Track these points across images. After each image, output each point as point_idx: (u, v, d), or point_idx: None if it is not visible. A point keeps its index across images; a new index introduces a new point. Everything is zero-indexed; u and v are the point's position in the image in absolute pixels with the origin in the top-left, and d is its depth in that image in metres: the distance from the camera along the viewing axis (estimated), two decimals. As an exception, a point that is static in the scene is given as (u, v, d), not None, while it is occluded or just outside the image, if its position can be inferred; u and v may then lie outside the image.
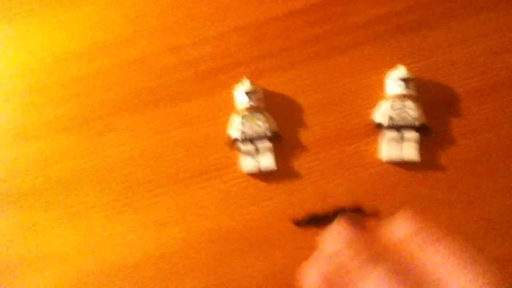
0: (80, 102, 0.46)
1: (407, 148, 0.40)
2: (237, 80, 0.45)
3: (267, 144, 0.42)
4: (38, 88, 0.47)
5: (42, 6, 0.49)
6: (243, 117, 0.42)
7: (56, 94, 0.47)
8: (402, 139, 0.41)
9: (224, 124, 0.44)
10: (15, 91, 0.47)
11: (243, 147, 0.42)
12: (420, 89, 0.43)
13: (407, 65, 0.43)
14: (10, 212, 0.44)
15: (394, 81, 0.41)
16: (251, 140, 0.42)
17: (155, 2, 0.48)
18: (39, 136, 0.46)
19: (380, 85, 0.43)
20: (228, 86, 0.45)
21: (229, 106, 0.44)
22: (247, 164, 0.42)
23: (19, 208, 0.44)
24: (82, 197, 0.44)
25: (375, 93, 0.44)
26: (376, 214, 0.41)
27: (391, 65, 0.44)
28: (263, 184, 0.43)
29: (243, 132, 0.42)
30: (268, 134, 0.42)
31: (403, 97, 0.41)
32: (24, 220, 0.44)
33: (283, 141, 0.43)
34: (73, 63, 0.47)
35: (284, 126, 0.44)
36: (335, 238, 0.28)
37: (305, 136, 0.44)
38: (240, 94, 0.42)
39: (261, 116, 0.42)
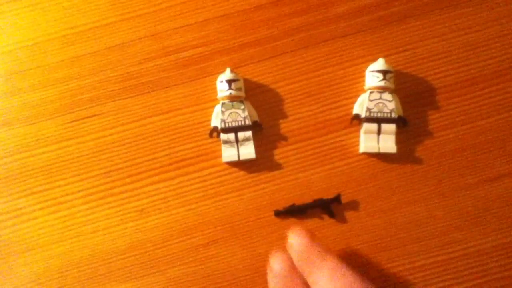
0: (60, 87, 0.46)
1: (384, 140, 0.41)
2: (219, 68, 0.45)
3: (247, 133, 0.42)
4: (18, 72, 0.47)
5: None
6: (223, 105, 0.42)
7: (37, 79, 0.46)
8: (379, 131, 0.41)
9: (206, 112, 0.44)
10: (-5, 77, 0.46)
11: (223, 135, 0.42)
12: (398, 82, 0.43)
13: (387, 57, 0.44)
14: (-10, 198, 0.44)
15: (372, 73, 0.41)
16: (231, 129, 0.42)
17: (138, -13, 0.47)
18: (20, 121, 0.45)
19: (360, 76, 0.44)
20: (210, 73, 0.45)
21: (211, 94, 0.45)
22: (227, 153, 0.42)
23: (0, 194, 0.44)
24: (63, 183, 0.44)
25: (356, 85, 0.44)
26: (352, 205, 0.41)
27: (372, 57, 0.44)
28: (243, 173, 0.44)
29: (222, 120, 0.42)
30: (248, 122, 0.42)
31: (381, 89, 0.41)
32: (6, 206, 0.44)
33: (263, 131, 0.43)
34: (54, 47, 0.47)
35: (265, 115, 0.44)
36: (280, 261, 0.36)
37: (286, 126, 0.44)
38: (221, 83, 0.42)
39: (241, 105, 0.42)
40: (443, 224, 0.42)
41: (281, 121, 0.44)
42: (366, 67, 0.43)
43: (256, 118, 0.43)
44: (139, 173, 0.44)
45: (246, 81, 0.44)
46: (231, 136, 0.42)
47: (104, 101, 0.46)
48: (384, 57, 0.44)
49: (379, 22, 0.45)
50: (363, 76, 0.44)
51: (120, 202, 0.44)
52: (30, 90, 0.46)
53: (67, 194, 0.44)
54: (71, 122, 0.45)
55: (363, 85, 0.43)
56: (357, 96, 0.43)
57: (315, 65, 0.45)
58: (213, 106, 0.44)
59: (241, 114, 0.42)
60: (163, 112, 0.45)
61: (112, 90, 0.46)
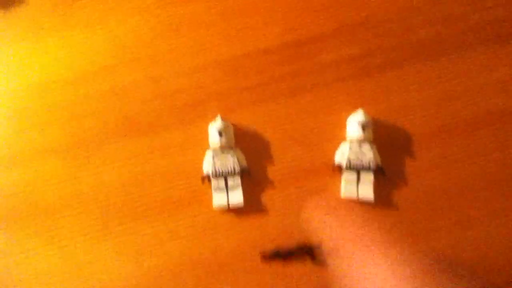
0: (63, 128, 0.49)
1: (363, 188, 0.45)
2: (211, 112, 0.48)
3: (236, 179, 0.45)
4: (24, 113, 0.50)
5: (29, 32, 0.51)
6: (215, 153, 0.46)
7: (41, 120, 0.49)
8: (359, 179, 0.45)
9: (199, 156, 0.48)
10: (1, 116, 0.49)
11: (214, 182, 0.45)
12: (377, 130, 0.46)
13: (367, 105, 0.47)
14: (-3, 237, 0.47)
15: (353, 125, 0.45)
16: (221, 175, 0.45)
17: (136, 35, 0.50)
18: (24, 161, 0.48)
19: (343, 123, 0.47)
20: (203, 117, 0.49)
21: (203, 137, 0.48)
22: (217, 198, 0.46)
23: (5, 233, 0.47)
24: (65, 222, 0.48)
25: (338, 133, 0.47)
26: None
27: (354, 105, 0.47)
28: (232, 217, 0.47)
29: (214, 167, 0.45)
30: (237, 169, 0.45)
31: (361, 140, 0.44)
32: (11, 245, 0.47)
33: (251, 176, 0.47)
34: (58, 90, 0.50)
35: (253, 161, 0.47)
36: None
37: (273, 172, 0.47)
38: (213, 132, 0.45)
39: (231, 153, 0.46)
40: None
41: (268, 166, 0.48)
42: (348, 115, 0.47)
43: (244, 164, 0.46)
44: (134, 214, 0.48)
45: (235, 126, 0.48)
46: (221, 182, 0.46)
47: (103, 142, 0.49)
48: (365, 106, 0.47)
49: (361, 71, 0.49)
50: (345, 124, 0.47)
51: (117, 240, 0.47)
52: (35, 131, 0.49)
53: (68, 232, 0.48)
54: (72, 161, 0.49)
55: (345, 132, 0.47)
56: (339, 143, 0.47)
57: (299, 112, 0.49)
58: (204, 149, 0.47)
59: (231, 161, 0.46)
60: (158, 154, 0.49)
61: (111, 132, 0.49)
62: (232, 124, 0.47)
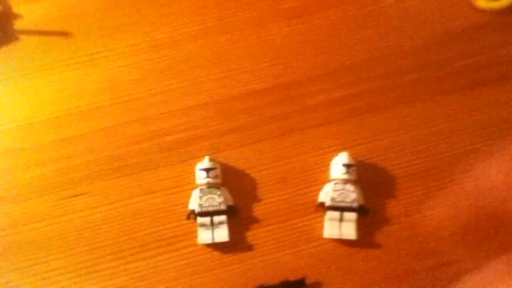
0: (51, 166, 0.50)
1: (346, 228, 0.46)
2: (200, 151, 0.50)
3: (222, 217, 0.46)
4: (12, 150, 0.50)
5: (18, 71, 0.53)
6: (201, 191, 0.46)
7: (29, 158, 0.50)
8: (342, 218, 0.45)
9: (186, 194, 0.48)
10: (-12, 155, 0.50)
11: (200, 219, 0.46)
12: (361, 171, 0.48)
13: (352, 147, 0.49)
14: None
15: (337, 166, 0.46)
16: (207, 213, 0.46)
17: (126, 74, 0.52)
18: (11, 198, 0.49)
19: (327, 164, 0.49)
20: (191, 157, 0.50)
21: (191, 177, 0.49)
22: (203, 235, 0.46)
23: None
24: (50, 260, 0.48)
25: (324, 173, 0.49)
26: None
27: (339, 147, 0.49)
28: (217, 253, 0.47)
29: (199, 205, 0.46)
30: (223, 207, 0.46)
31: (344, 180, 0.46)
32: (-5, 282, 0.47)
33: (238, 214, 0.47)
34: (47, 128, 0.51)
35: (239, 199, 0.48)
36: None
37: (259, 210, 0.48)
38: (200, 171, 0.46)
39: (217, 191, 0.46)
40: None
41: (254, 205, 0.48)
42: (333, 156, 0.48)
43: (231, 202, 0.47)
44: (121, 251, 0.48)
45: (223, 166, 0.49)
46: (207, 219, 0.46)
47: (92, 181, 0.49)
48: (350, 147, 0.49)
49: (347, 114, 0.51)
50: (329, 165, 0.48)
51: (102, 279, 0.47)
52: (21, 169, 0.50)
53: (52, 270, 0.47)
54: (59, 200, 0.49)
55: (329, 173, 0.48)
56: (324, 183, 0.48)
57: (286, 153, 0.50)
58: (192, 189, 0.48)
59: (217, 200, 0.46)
60: (146, 193, 0.49)
61: (99, 171, 0.50)
62: (220, 163, 0.48)
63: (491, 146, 0.49)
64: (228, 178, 0.48)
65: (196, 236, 0.47)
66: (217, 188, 0.47)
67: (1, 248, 0.48)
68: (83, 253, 0.48)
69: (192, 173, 0.48)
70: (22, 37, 0.54)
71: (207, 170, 0.46)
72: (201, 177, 0.46)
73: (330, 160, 0.48)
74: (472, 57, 0.53)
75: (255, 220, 0.48)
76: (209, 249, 0.48)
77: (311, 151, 0.50)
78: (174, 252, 0.47)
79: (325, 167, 0.49)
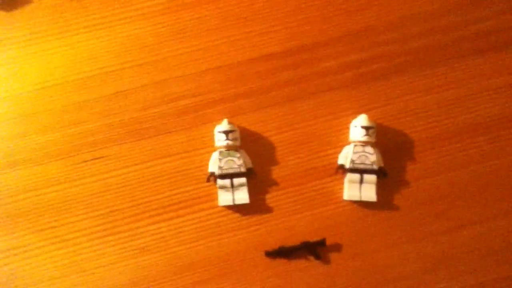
0: (67, 130, 0.49)
1: (366, 190, 0.46)
2: (215, 116, 0.49)
3: (242, 179, 0.46)
4: (27, 115, 0.50)
5: (31, 34, 0.51)
6: (220, 153, 0.46)
7: (44, 122, 0.49)
8: (362, 180, 0.46)
9: (204, 157, 0.48)
10: (4, 117, 0.49)
11: (220, 181, 0.46)
12: (380, 134, 0.48)
13: (369, 111, 0.48)
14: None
15: (356, 128, 0.46)
16: (227, 175, 0.46)
17: (140, 40, 0.51)
18: (27, 161, 0.48)
19: (345, 128, 0.49)
20: (207, 121, 0.49)
21: (208, 141, 0.49)
22: (223, 197, 0.46)
23: (8, 231, 0.48)
24: (69, 221, 0.48)
25: (341, 136, 0.49)
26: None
27: (356, 110, 0.49)
28: (237, 216, 0.48)
29: (219, 168, 0.46)
30: (243, 170, 0.46)
31: (364, 143, 0.46)
32: (14, 242, 0.47)
33: (256, 177, 0.47)
34: (61, 92, 0.50)
35: (258, 162, 0.48)
36: None
37: (277, 173, 0.48)
38: (219, 133, 0.46)
39: (237, 154, 0.46)
40: (414, 267, 0.47)
41: (272, 167, 0.48)
42: (351, 120, 0.48)
43: (250, 165, 0.47)
44: (140, 213, 0.48)
45: (241, 129, 0.48)
46: (227, 182, 0.46)
47: (108, 145, 0.49)
48: (367, 111, 0.48)
49: (363, 78, 0.50)
50: (347, 128, 0.48)
51: (122, 240, 0.47)
52: (37, 132, 0.49)
53: (72, 232, 0.48)
54: (77, 164, 0.49)
55: (347, 136, 0.48)
56: (342, 146, 0.48)
57: (303, 116, 0.50)
58: (210, 152, 0.48)
59: (237, 162, 0.46)
60: (163, 156, 0.49)
61: (115, 134, 0.49)
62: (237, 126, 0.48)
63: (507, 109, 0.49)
64: (245, 141, 0.49)
65: (214, 199, 0.47)
66: (236, 150, 0.46)
67: (22, 210, 0.48)
68: (102, 215, 0.48)
69: (209, 136, 0.48)
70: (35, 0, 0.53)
71: (226, 132, 0.46)
72: (220, 139, 0.46)
73: (346, 123, 0.48)
74: (486, 21, 0.52)
75: (274, 183, 0.48)
76: (229, 211, 0.48)
77: (326, 115, 0.50)
78: (193, 214, 0.48)
79: (341, 131, 0.49)
